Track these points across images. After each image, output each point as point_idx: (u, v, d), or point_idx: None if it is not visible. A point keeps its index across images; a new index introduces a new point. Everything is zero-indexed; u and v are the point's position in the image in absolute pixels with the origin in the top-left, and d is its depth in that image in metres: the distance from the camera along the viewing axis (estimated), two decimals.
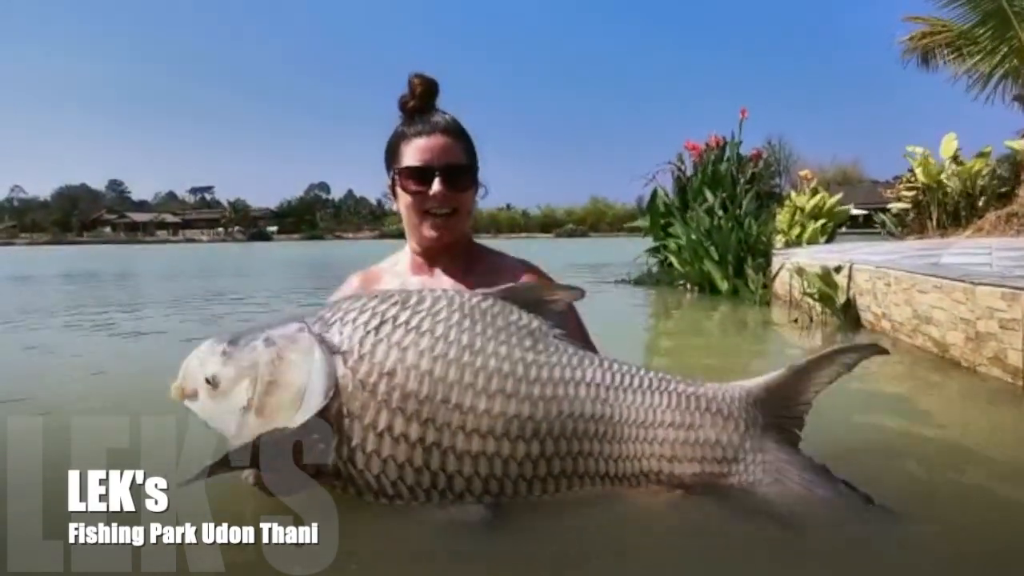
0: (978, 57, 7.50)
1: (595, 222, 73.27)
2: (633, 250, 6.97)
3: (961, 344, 2.16)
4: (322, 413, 1.00)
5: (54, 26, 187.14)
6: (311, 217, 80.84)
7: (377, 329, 1.06)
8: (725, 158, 6.20)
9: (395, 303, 1.09)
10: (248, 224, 74.00)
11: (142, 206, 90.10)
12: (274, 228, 72.36)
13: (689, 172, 6.44)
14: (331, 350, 1.04)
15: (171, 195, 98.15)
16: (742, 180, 6.01)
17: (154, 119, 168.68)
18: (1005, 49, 7.17)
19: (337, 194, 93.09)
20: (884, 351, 1.13)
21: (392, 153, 1.35)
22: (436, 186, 1.28)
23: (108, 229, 73.50)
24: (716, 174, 5.98)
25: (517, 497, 1.04)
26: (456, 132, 1.33)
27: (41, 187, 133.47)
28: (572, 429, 1.05)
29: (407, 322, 1.06)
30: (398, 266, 1.43)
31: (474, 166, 1.36)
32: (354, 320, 1.07)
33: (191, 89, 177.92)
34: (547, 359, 1.07)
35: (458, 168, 1.31)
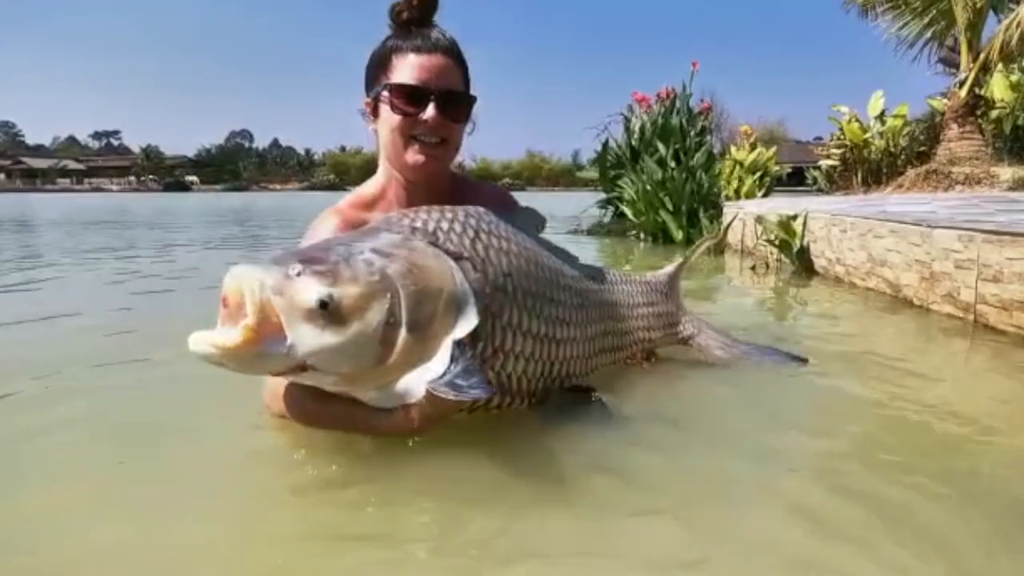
0: (909, 18, 7.84)
1: (531, 176, 73.14)
2: (575, 203, 6.99)
3: (915, 284, 2.31)
4: None
5: None
6: (233, 167, 76.20)
7: (478, 235, 1.07)
8: (675, 110, 6.26)
9: (465, 214, 1.10)
10: (163, 173, 68.86)
11: (39, 151, 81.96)
12: (194, 178, 67.70)
13: (636, 125, 6.47)
14: (453, 256, 1.00)
15: (72, 139, 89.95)
16: (692, 133, 6.11)
17: (49, 56, 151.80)
18: (934, 11, 7.52)
19: (261, 143, 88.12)
20: (719, 239, 1.93)
21: (380, 65, 1.18)
22: (430, 111, 1.15)
23: (1, 176, 66.46)
24: (667, 126, 6.04)
25: (583, 376, 1.27)
26: (457, 55, 1.20)
27: None
28: (605, 314, 1.35)
29: (489, 231, 1.10)
30: (383, 201, 1.25)
31: (471, 96, 1.23)
32: (452, 228, 1.04)
33: (90, 20, 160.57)
34: (562, 262, 1.28)
35: (456, 95, 1.18)
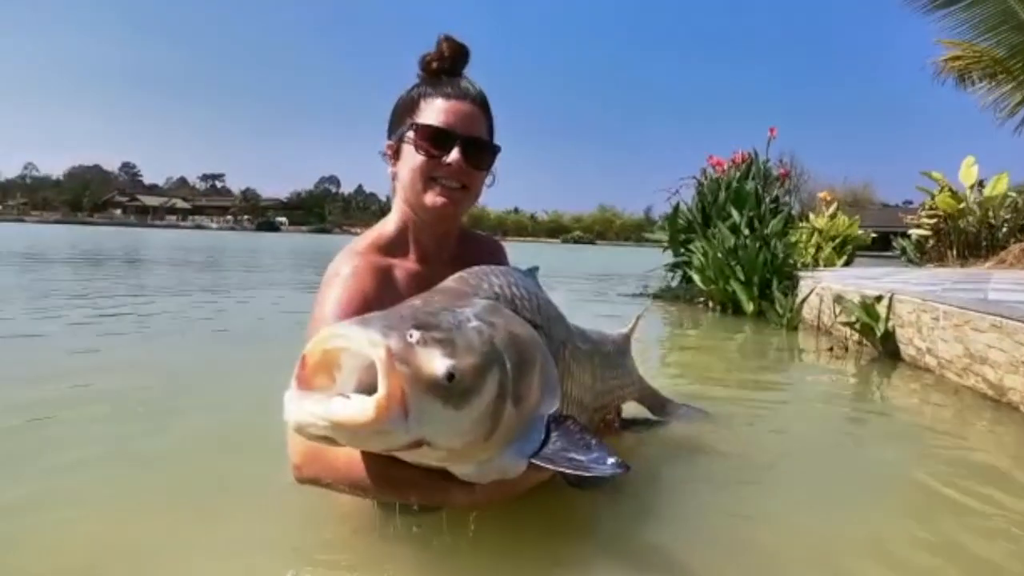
0: (1009, 86, 7.39)
1: (602, 230, 73.20)
2: (642, 260, 6.91)
3: (1022, 389, 2.04)
4: None
5: (75, 8, 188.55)
6: (320, 210, 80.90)
7: (539, 302, 1.08)
8: (751, 176, 6.09)
9: (520, 277, 1.11)
10: (258, 214, 74.12)
11: (153, 190, 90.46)
12: (283, 219, 72.47)
13: (709, 188, 6.33)
14: (531, 324, 0.99)
15: (182, 180, 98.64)
16: (767, 199, 5.90)
17: (169, 105, 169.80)
18: None
19: (347, 188, 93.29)
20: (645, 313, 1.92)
21: (408, 107, 1.19)
22: (454, 155, 1.14)
23: (119, 211, 73.72)
24: (741, 192, 5.87)
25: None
26: (484, 105, 1.21)
27: (54, 166, 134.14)
28: (603, 373, 1.38)
29: (543, 297, 1.13)
30: (401, 245, 1.23)
31: (495, 145, 1.23)
32: (522, 295, 1.04)
33: (207, 76, 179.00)
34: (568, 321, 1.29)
35: (481, 143, 1.19)
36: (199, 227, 62.53)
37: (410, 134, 1.16)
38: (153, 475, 1.35)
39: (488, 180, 1.25)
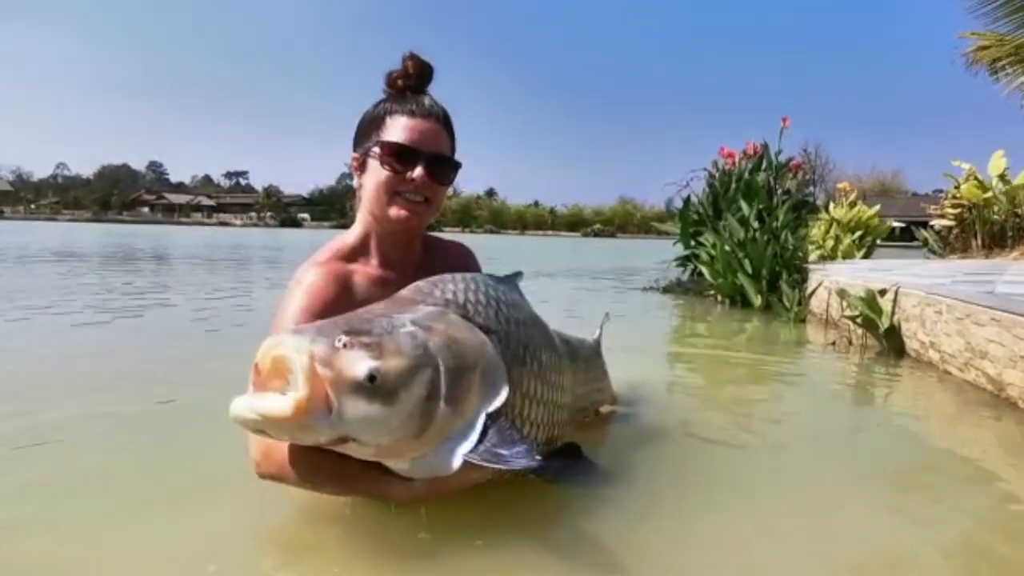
0: None
1: (623, 223, 72.55)
2: (662, 254, 6.87)
3: (1020, 384, 2.00)
4: None
5: (101, 11, 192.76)
6: (341, 206, 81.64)
7: (499, 307, 1.11)
8: (762, 168, 5.99)
9: (485, 284, 1.14)
10: (280, 210, 75.12)
11: (179, 188, 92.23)
12: (306, 215, 73.39)
13: (720, 180, 6.24)
14: (483, 329, 1.03)
15: (207, 178, 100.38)
16: (779, 191, 5.80)
17: (195, 104, 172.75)
18: None
19: None
20: (610, 317, 1.92)
21: (374, 124, 1.24)
22: (418, 171, 1.20)
23: (146, 209, 75.37)
24: (752, 184, 5.78)
25: (568, 438, 1.28)
26: (447, 123, 1.27)
27: (85, 166, 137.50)
28: (584, 376, 1.48)
29: (507, 302, 1.14)
30: (363, 254, 1.27)
31: (457, 162, 1.29)
32: (479, 300, 1.08)
33: (233, 76, 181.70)
34: (543, 323, 1.31)
35: (444, 159, 1.25)
36: (223, 224, 63.55)
37: (376, 149, 1.22)
38: (120, 468, 1.40)
39: (448, 191, 1.30)
